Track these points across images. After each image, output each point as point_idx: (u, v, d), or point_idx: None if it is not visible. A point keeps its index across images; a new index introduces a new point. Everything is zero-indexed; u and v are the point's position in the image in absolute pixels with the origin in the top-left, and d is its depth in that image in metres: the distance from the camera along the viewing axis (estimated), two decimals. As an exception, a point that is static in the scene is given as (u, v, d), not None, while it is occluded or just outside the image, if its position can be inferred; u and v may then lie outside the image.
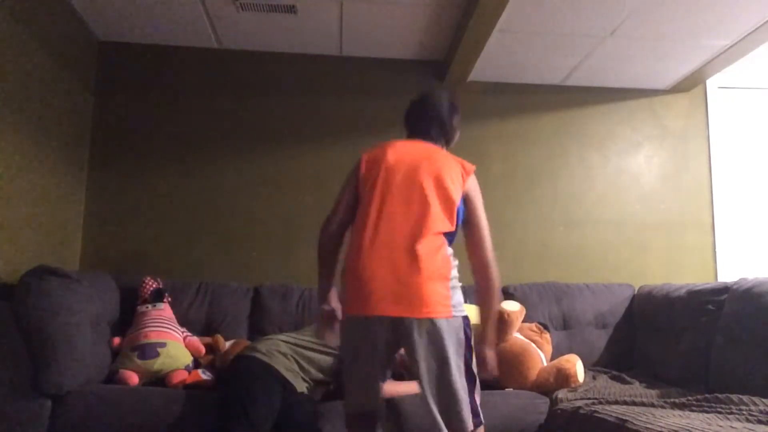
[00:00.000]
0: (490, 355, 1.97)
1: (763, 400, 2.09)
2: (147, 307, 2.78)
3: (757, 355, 2.36)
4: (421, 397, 1.81)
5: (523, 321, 2.91)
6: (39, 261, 2.71)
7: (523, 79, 3.69)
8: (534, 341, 2.84)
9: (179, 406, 2.28)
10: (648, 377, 2.86)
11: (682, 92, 3.82)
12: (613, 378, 2.87)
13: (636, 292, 3.34)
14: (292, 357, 2.40)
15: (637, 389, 2.59)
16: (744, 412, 2.02)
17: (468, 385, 1.85)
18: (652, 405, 2.27)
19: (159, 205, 3.40)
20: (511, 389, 2.70)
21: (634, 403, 2.32)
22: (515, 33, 3.14)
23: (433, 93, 2.18)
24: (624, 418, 2.06)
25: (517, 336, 2.84)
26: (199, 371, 2.62)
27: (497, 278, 1.97)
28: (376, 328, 1.82)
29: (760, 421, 1.93)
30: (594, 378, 2.85)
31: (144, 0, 3.04)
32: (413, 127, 2.14)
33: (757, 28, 3.03)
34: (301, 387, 2.37)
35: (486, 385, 2.25)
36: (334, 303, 2.04)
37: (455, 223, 1.94)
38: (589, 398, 2.45)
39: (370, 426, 1.96)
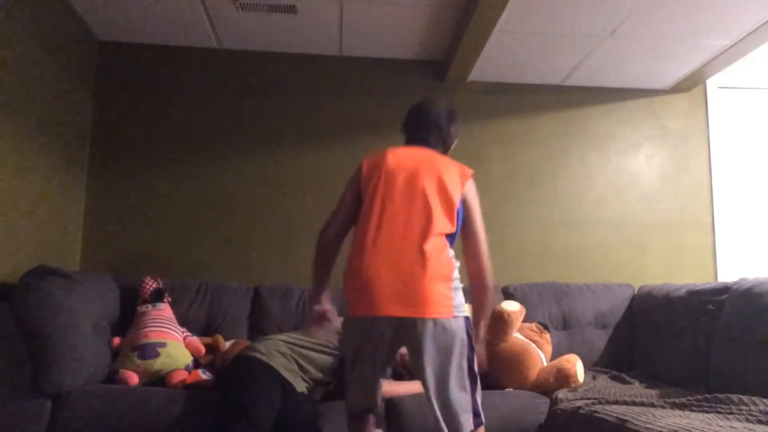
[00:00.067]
0: (479, 348, 2.00)
1: (763, 400, 2.09)
2: (147, 307, 2.78)
3: (757, 356, 2.36)
4: (425, 396, 1.83)
5: (523, 321, 2.90)
6: (39, 261, 2.70)
7: (523, 79, 3.69)
8: (534, 341, 2.84)
9: (179, 406, 2.28)
10: (648, 377, 2.86)
11: (682, 92, 3.82)
12: (613, 378, 2.87)
13: (636, 292, 3.34)
14: (292, 357, 2.40)
15: (637, 389, 2.59)
16: (744, 412, 2.02)
17: (470, 384, 1.85)
18: (652, 405, 2.27)
19: (159, 205, 3.40)
20: (511, 389, 2.70)
21: (634, 403, 2.32)
22: (515, 33, 3.14)
23: (431, 101, 2.19)
24: (624, 418, 2.06)
25: (517, 336, 2.84)
26: (199, 371, 2.62)
27: (492, 284, 2.00)
28: (381, 328, 1.83)
29: (760, 421, 1.93)
30: (594, 378, 2.85)
31: (144, 0, 3.04)
32: (412, 135, 2.15)
33: (757, 28, 3.03)
34: (301, 387, 2.37)
35: (486, 385, 2.26)
36: (327, 304, 2.05)
37: (456, 224, 1.95)
38: (589, 398, 2.45)
39: (371, 423, 1.99)
